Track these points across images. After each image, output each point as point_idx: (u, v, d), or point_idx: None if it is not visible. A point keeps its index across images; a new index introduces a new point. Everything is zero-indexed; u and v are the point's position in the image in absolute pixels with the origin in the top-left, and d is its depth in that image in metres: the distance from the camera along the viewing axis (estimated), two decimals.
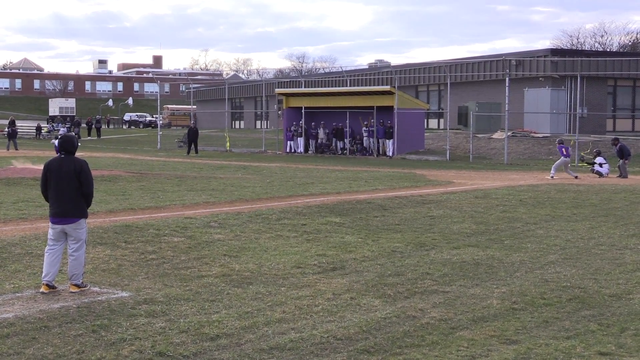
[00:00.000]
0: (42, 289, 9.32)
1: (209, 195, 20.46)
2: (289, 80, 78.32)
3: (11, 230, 14.02)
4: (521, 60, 51.37)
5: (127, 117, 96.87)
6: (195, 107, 74.50)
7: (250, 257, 11.79)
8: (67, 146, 9.58)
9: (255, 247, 12.65)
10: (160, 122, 62.52)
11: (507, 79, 39.78)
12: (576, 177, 27.58)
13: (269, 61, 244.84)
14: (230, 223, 15.04)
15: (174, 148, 50.66)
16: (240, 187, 23.11)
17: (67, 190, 9.39)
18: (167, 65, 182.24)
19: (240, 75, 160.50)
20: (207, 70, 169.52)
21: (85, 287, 9.47)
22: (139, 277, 10.29)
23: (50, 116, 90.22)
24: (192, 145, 45.66)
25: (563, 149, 28.17)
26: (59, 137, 9.69)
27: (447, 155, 39.86)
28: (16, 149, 46.41)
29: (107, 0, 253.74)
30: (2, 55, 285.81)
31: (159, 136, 54.72)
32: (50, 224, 9.58)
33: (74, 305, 8.69)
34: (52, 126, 70.28)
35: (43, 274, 9.44)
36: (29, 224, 14.93)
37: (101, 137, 66.93)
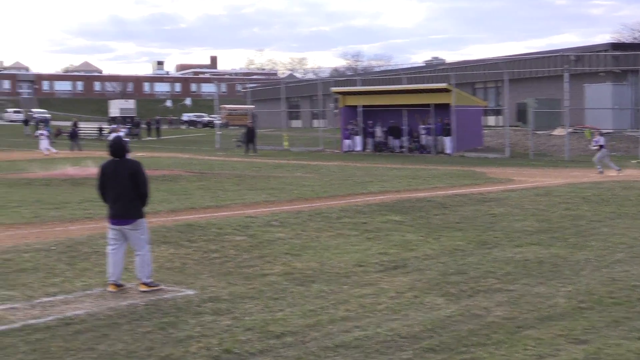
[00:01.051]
0: (110, 289, 9.50)
1: (268, 194, 20.60)
2: (344, 78, 78.34)
3: (78, 230, 14.34)
4: (580, 55, 50.52)
5: (185, 117, 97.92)
6: (252, 106, 74.99)
7: (312, 256, 11.84)
8: (117, 151, 9.71)
9: (316, 246, 12.70)
10: (218, 121, 63.03)
11: (566, 74, 39.17)
12: (601, 172, 27.25)
13: (324, 60, 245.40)
14: (291, 222, 15.13)
15: (232, 147, 51.06)
16: (300, 185, 23.22)
17: (123, 192, 9.53)
18: (223, 66, 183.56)
19: (296, 74, 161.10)
20: (262, 70, 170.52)
21: (155, 286, 9.56)
22: (203, 276, 10.42)
23: (111, 117, 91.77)
24: (250, 145, 45.99)
25: (600, 141, 27.97)
26: (109, 142, 9.84)
27: (507, 152, 39.42)
28: (80, 150, 47.33)
29: (163, 2, 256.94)
30: (64, 58, 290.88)
31: (217, 136, 55.20)
32: (109, 225, 9.75)
33: (142, 303, 8.85)
34: (114, 127, 71.38)
35: (109, 274, 9.64)
36: (95, 223, 15.22)
37: (161, 137, 67.81)
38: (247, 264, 11.20)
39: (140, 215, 9.66)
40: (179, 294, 9.35)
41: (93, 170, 28.42)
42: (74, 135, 50.74)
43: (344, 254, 12.02)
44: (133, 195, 9.55)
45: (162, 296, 9.20)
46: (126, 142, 10.02)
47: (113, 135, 32.23)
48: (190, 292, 9.45)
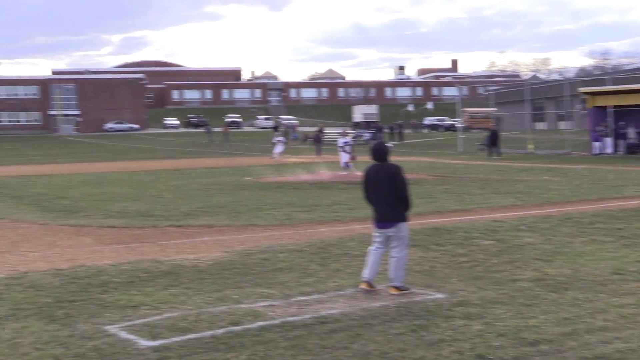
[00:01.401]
0: (362, 286, 9.72)
1: (515, 198, 20.16)
2: (592, 78, 74.88)
3: (328, 231, 14.83)
4: None
5: (427, 121, 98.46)
6: (495, 109, 73.77)
7: (564, 262, 11.39)
8: (379, 155, 9.85)
9: (568, 252, 12.22)
10: (460, 125, 62.64)
11: None
12: None
13: (569, 59, 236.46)
14: (540, 226, 14.68)
15: (475, 151, 50.55)
16: (547, 189, 22.51)
17: (385, 196, 9.67)
18: (464, 69, 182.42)
19: (539, 75, 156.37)
20: (504, 71, 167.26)
21: (407, 290, 9.61)
22: (452, 279, 10.37)
23: (354, 122, 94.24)
24: (494, 148, 45.26)
25: None
26: (373, 146, 10.04)
27: None
28: (319, 155, 48.83)
29: (403, 8, 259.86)
30: (309, 66, 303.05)
31: (459, 139, 54.90)
32: (374, 227, 9.95)
33: (393, 305, 8.95)
34: (358, 132, 73.15)
35: (363, 272, 9.85)
36: (344, 226, 15.68)
37: (403, 142, 68.57)
38: (496, 269, 11.00)
39: (402, 218, 9.74)
40: (429, 297, 9.37)
41: (327, 175, 29.38)
42: (317, 140, 52.48)
43: (599, 260, 11.45)
44: (394, 199, 9.64)
45: (412, 299, 9.26)
46: (389, 147, 10.20)
47: (342, 140, 32.83)
48: (440, 295, 9.43)
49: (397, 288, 9.58)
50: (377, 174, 9.73)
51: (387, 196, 9.63)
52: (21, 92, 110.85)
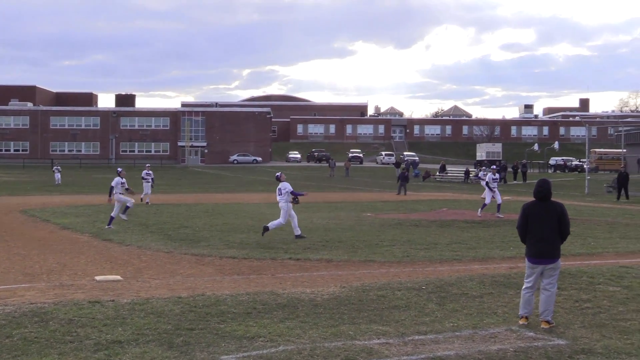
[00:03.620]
0: (521, 322, 10.04)
1: None
2: None
3: (447, 270, 14.62)
4: None
5: (552, 161, 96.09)
6: (625, 150, 71.30)
7: None
8: (544, 194, 10.18)
9: None
10: (588, 166, 60.82)
11: None
12: None
13: None
14: None
15: (602, 193, 48.87)
16: None
17: (550, 233, 10.02)
18: (594, 108, 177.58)
19: None
20: (636, 112, 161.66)
21: (553, 324, 9.90)
22: (574, 326, 9.99)
23: (477, 160, 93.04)
24: (622, 190, 43.63)
25: None
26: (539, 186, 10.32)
27: None
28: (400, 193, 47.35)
29: (532, 46, 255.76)
30: (434, 103, 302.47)
31: (586, 180, 53.25)
32: (528, 263, 10.20)
33: (511, 349, 8.70)
34: (480, 170, 72.18)
35: (521, 311, 10.19)
36: (463, 265, 15.42)
37: (527, 181, 67.11)
38: (622, 317, 10.53)
39: (560, 255, 10.17)
40: (550, 342, 9.05)
41: (447, 213, 28.90)
42: (404, 178, 49.66)
43: None
44: (557, 236, 10.04)
45: (532, 344, 8.97)
46: (551, 184, 10.39)
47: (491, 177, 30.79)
48: (561, 341, 9.10)
49: (547, 322, 9.87)
50: (542, 212, 10.08)
51: (553, 234, 9.99)
52: (153, 123, 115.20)
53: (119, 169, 25.91)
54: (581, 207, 35.40)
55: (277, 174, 21.64)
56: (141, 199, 34.84)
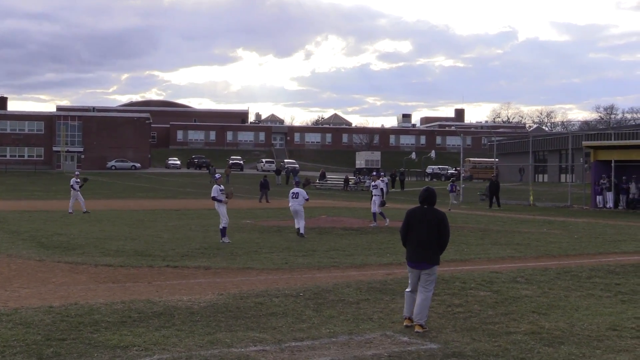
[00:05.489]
0: (405, 323, 10.37)
1: (513, 250, 20.10)
2: (596, 132, 75.16)
3: (325, 277, 14.74)
4: None
5: (429, 169, 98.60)
6: (497, 159, 73.92)
7: (561, 316, 11.30)
8: (426, 199, 10.52)
9: (565, 306, 12.13)
10: (463, 174, 62.75)
11: None
12: None
13: (573, 113, 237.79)
14: (537, 279, 14.61)
15: (476, 201, 50.52)
16: (546, 242, 22.44)
17: (427, 239, 10.26)
18: (469, 118, 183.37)
19: (544, 127, 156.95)
20: (509, 122, 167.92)
21: (426, 328, 10.14)
22: (446, 330, 10.27)
23: (356, 168, 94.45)
24: (494, 199, 45.22)
25: None
26: (423, 191, 10.69)
27: None
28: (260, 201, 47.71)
29: (408, 57, 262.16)
30: (315, 111, 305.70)
31: (461, 188, 54.89)
32: (409, 267, 10.48)
33: (386, 354, 8.86)
34: (359, 178, 73.30)
35: (404, 311, 10.54)
36: (341, 272, 15.60)
37: (404, 189, 68.59)
38: (491, 320, 10.91)
39: (437, 261, 10.41)
40: (423, 346, 9.27)
41: (326, 220, 29.21)
42: (263, 185, 49.69)
43: (595, 315, 11.35)
44: (435, 243, 10.29)
45: (405, 348, 9.17)
46: (434, 192, 10.65)
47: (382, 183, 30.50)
48: (433, 345, 9.34)
49: (421, 326, 10.10)
50: (423, 217, 10.31)
51: (431, 240, 10.22)
52: (26, 127, 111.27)
53: (217, 175, 23.32)
54: (456, 214, 36.45)
55: (297, 178, 22.06)
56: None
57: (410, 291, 10.48)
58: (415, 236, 10.34)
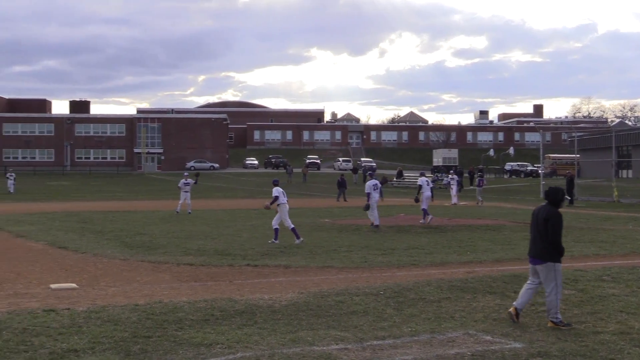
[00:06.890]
0: (510, 310, 10.55)
1: (598, 248, 19.63)
2: None
3: (404, 276, 14.66)
4: None
5: (508, 166, 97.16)
6: (579, 155, 72.35)
7: None
8: (546, 196, 10.64)
9: None
10: (542, 171, 61.58)
11: None
12: None
13: None
14: (625, 277, 14.22)
15: None
16: (633, 239, 21.84)
17: (538, 235, 10.41)
18: (548, 114, 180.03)
19: (627, 122, 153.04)
20: (590, 117, 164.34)
21: (563, 325, 10.16)
22: (531, 329, 10.09)
23: (434, 166, 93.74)
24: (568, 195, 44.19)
25: None
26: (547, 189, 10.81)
27: None
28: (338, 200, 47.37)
29: (485, 52, 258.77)
30: (391, 110, 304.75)
31: (541, 185, 53.89)
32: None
33: (469, 353, 8.74)
34: (437, 176, 72.69)
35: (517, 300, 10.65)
36: (420, 270, 15.49)
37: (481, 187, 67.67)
38: (577, 320, 10.66)
39: (549, 259, 10.35)
40: (507, 346, 9.12)
41: (405, 218, 29.04)
42: (341, 184, 49.85)
43: None
44: (540, 239, 10.36)
45: (489, 347, 9.03)
46: (561, 191, 10.67)
47: (422, 180, 30.68)
48: (518, 345, 9.17)
49: (553, 322, 10.23)
50: (538, 214, 10.49)
51: (541, 236, 10.34)
52: (108, 130, 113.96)
53: (275, 180, 22.75)
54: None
55: (372, 172, 23.62)
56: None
57: (527, 283, 10.71)
58: (530, 232, 10.66)
